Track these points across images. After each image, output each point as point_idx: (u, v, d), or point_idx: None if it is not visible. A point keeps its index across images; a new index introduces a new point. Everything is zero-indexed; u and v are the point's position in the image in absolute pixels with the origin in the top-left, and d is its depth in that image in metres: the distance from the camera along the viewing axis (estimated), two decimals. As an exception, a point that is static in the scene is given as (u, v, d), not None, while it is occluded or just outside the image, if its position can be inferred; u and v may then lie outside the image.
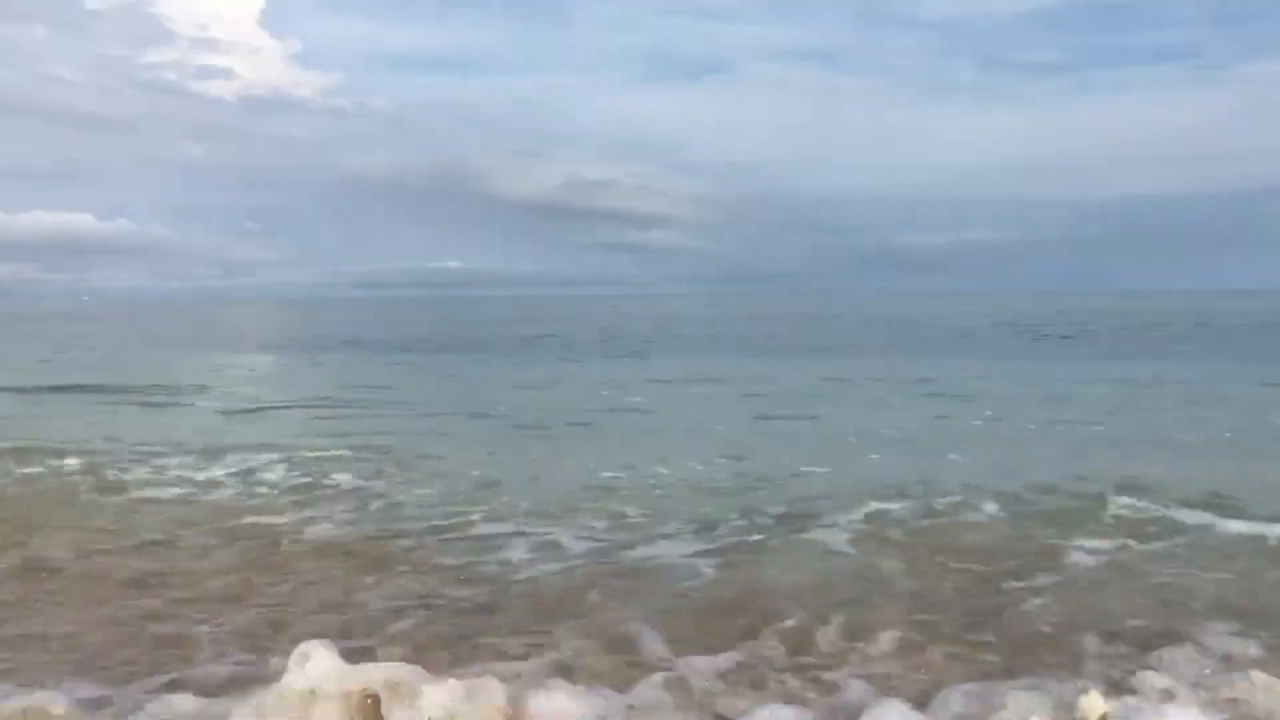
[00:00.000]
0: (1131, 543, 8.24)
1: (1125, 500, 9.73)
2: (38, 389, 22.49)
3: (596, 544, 8.33)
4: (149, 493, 10.47)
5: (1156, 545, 8.20)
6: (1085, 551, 7.99)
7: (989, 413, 16.96)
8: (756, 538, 8.57)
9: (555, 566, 7.68)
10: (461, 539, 8.56)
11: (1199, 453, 12.87)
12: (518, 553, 8.08)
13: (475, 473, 11.56)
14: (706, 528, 8.85)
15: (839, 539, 8.47)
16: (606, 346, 40.17)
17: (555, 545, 8.29)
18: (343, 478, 11.27)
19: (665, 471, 11.61)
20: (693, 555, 8.00)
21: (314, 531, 8.81)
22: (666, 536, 8.59)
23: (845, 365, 27.82)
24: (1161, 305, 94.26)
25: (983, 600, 6.78)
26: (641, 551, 8.11)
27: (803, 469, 11.70)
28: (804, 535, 8.59)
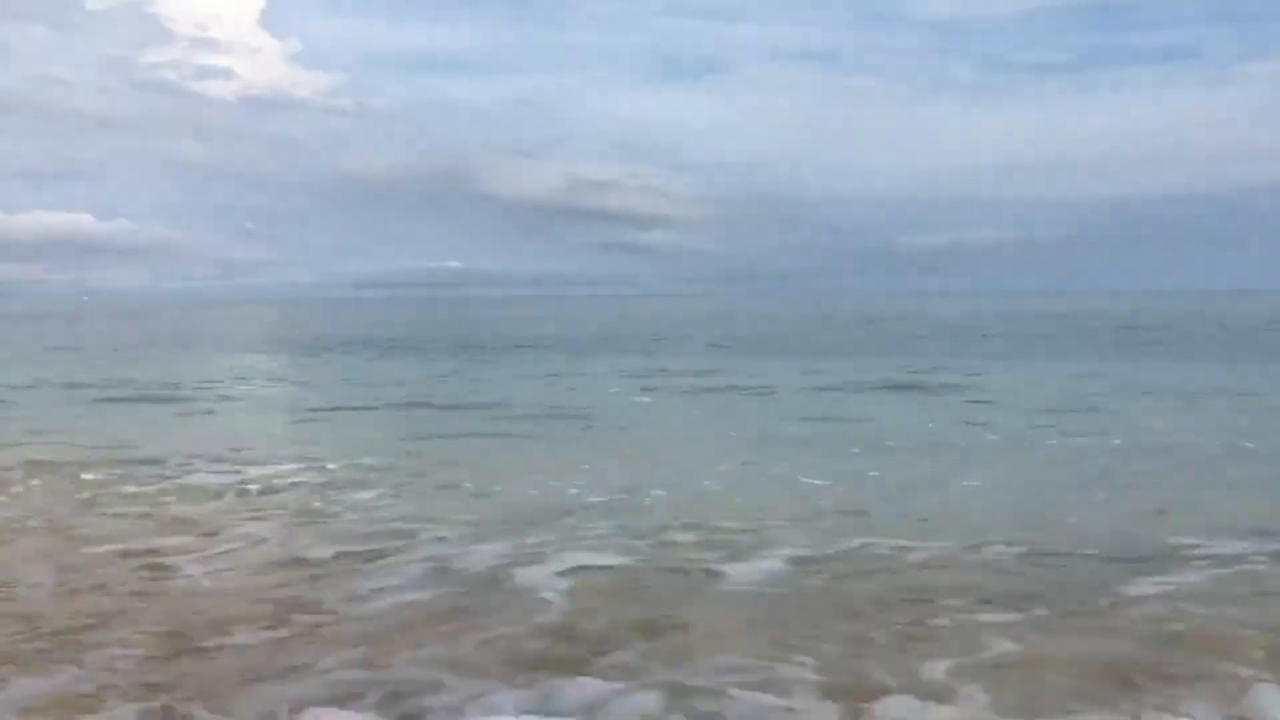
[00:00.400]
0: (1166, 583, 7.17)
1: (1156, 525, 8.86)
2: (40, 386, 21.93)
3: (496, 566, 7.49)
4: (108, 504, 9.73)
5: (1196, 577, 7.23)
6: (1110, 600, 6.93)
7: (1009, 421, 15.86)
8: (678, 567, 7.49)
9: (405, 599, 6.76)
10: (366, 567, 7.60)
11: (1225, 467, 11.92)
12: (398, 580, 7.19)
13: (468, 485, 10.88)
14: (640, 553, 7.88)
15: (767, 575, 7.21)
16: (618, 346, 39.62)
17: (445, 572, 7.37)
18: (316, 492, 10.58)
19: (656, 481, 10.80)
20: (563, 586, 7.02)
21: (219, 553, 7.99)
22: (576, 558, 7.68)
23: (859, 367, 27.03)
24: (1168, 306, 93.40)
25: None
26: (521, 574, 7.26)
27: (802, 479, 10.92)
28: (728, 575, 7.28)
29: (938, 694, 5.03)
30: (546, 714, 4.84)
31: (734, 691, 5.09)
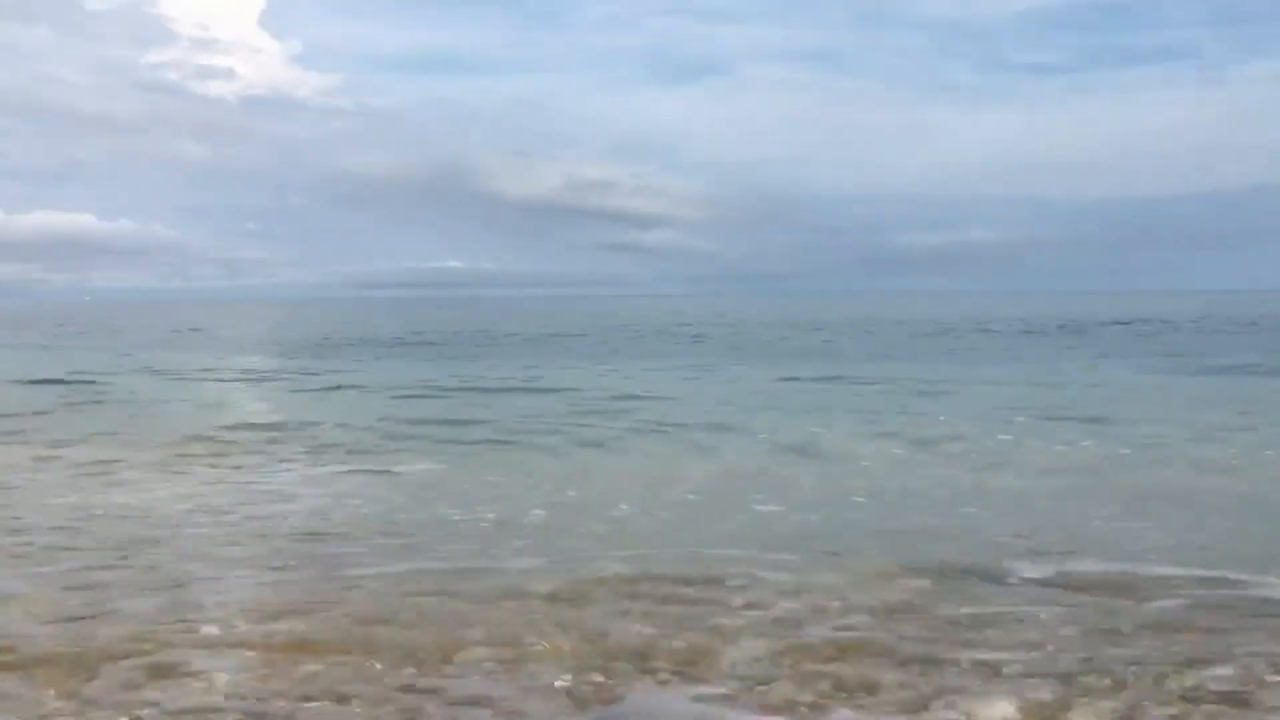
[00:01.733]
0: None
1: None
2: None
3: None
4: None
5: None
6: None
7: (1048, 440, 13.08)
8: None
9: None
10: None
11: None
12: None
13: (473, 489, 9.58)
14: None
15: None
16: (629, 348, 38.44)
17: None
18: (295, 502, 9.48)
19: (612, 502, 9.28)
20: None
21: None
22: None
23: (876, 371, 25.18)
24: (1178, 306, 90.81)
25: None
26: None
27: (758, 507, 8.98)
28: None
29: None
30: None
31: None
